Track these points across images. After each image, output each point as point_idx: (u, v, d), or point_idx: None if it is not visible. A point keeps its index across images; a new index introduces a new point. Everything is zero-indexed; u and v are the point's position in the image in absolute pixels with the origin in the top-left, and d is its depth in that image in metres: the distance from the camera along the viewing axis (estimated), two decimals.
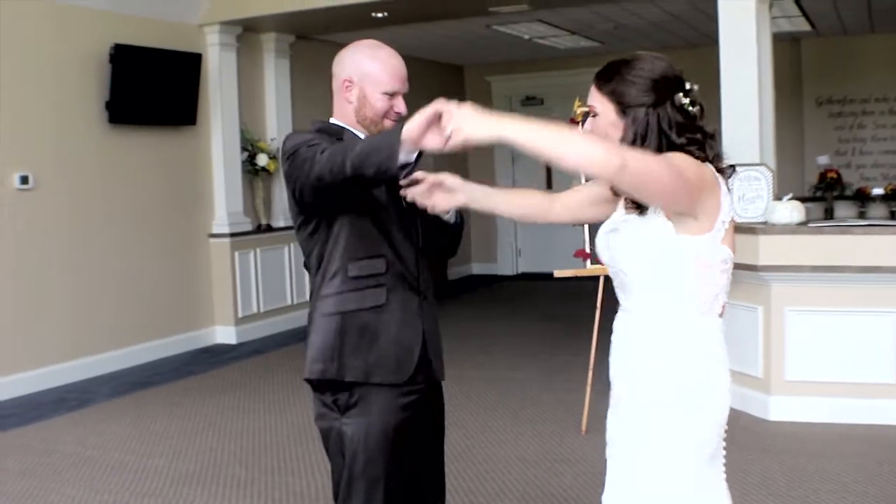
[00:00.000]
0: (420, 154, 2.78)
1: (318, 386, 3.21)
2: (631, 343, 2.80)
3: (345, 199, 3.03)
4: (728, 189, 2.69)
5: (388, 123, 3.17)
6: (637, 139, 2.61)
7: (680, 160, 2.55)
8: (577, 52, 13.51)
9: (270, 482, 5.66)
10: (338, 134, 3.16)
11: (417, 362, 3.20)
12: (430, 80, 14.04)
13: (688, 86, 2.65)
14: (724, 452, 2.78)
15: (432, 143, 2.68)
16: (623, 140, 2.62)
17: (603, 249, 2.82)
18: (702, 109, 2.68)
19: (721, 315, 2.77)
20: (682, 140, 2.61)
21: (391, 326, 3.15)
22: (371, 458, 3.12)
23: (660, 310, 2.71)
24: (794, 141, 13.01)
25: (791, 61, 13.04)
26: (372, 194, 3.08)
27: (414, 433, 3.22)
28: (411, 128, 2.67)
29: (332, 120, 3.24)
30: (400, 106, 3.19)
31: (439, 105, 2.59)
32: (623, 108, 2.64)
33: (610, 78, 2.68)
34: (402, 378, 3.19)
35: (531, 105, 14.83)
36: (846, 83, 12.93)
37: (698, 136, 2.65)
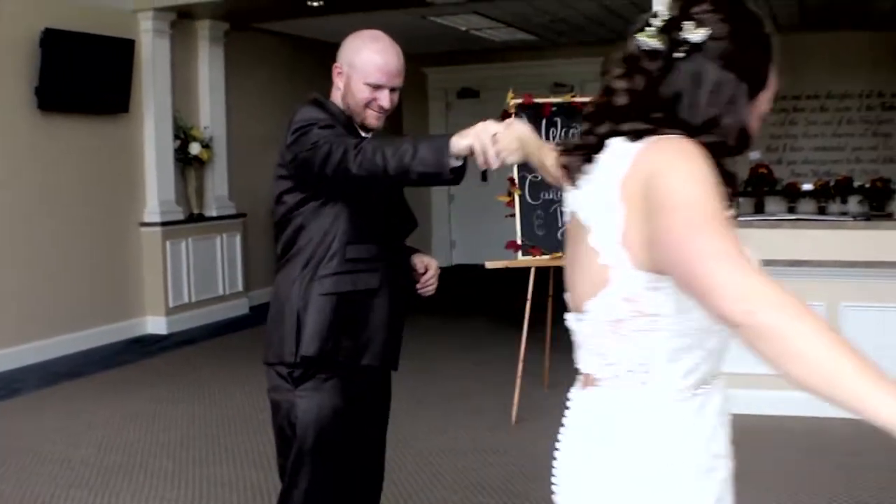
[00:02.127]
0: (466, 160, 2.81)
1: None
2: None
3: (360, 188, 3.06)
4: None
5: (370, 114, 3.22)
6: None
7: None
8: (513, 44, 13.55)
9: (198, 473, 5.61)
10: (334, 113, 3.20)
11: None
12: None
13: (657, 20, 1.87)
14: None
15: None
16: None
17: None
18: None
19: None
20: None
21: (382, 311, 3.26)
22: (322, 433, 3.16)
23: None
24: None
25: None
26: None
27: (363, 415, 3.29)
28: (458, 146, 2.73)
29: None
30: (384, 100, 3.22)
31: (484, 133, 2.67)
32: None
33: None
34: (385, 364, 3.36)
35: (467, 97, 14.84)
36: (779, 80, 13.04)
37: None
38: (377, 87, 3.19)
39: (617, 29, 11.89)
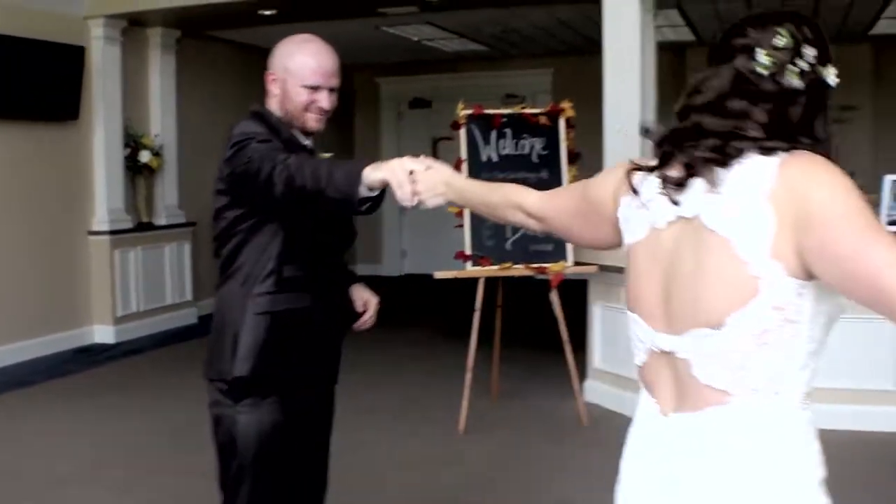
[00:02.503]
0: (383, 192, 2.79)
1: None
2: None
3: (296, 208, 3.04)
4: (646, 200, 1.99)
5: (310, 118, 3.21)
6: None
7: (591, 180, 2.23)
8: (465, 55, 13.61)
9: (149, 483, 5.59)
10: (275, 127, 3.17)
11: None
12: None
13: (782, 41, 1.89)
14: None
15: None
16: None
17: None
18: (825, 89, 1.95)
19: (654, 395, 2.08)
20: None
21: (317, 329, 3.26)
22: (262, 448, 3.15)
23: None
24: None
25: (675, 70, 13.30)
26: None
27: (305, 428, 3.29)
28: (371, 177, 2.71)
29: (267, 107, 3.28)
30: (323, 101, 3.21)
31: (401, 169, 2.64)
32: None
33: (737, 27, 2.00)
34: (321, 381, 3.38)
35: (419, 107, 14.88)
36: None
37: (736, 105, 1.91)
38: (315, 89, 3.17)
39: (568, 40, 12.02)
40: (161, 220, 10.51)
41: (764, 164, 1.80)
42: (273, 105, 3.23)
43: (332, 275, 3.34)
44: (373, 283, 12.28)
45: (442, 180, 2.58)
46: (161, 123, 10.56)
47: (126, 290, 10.06)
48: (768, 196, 1.76)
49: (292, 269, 3.14)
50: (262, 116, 3.21)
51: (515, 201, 2.36)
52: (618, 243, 2.10)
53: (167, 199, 10.63)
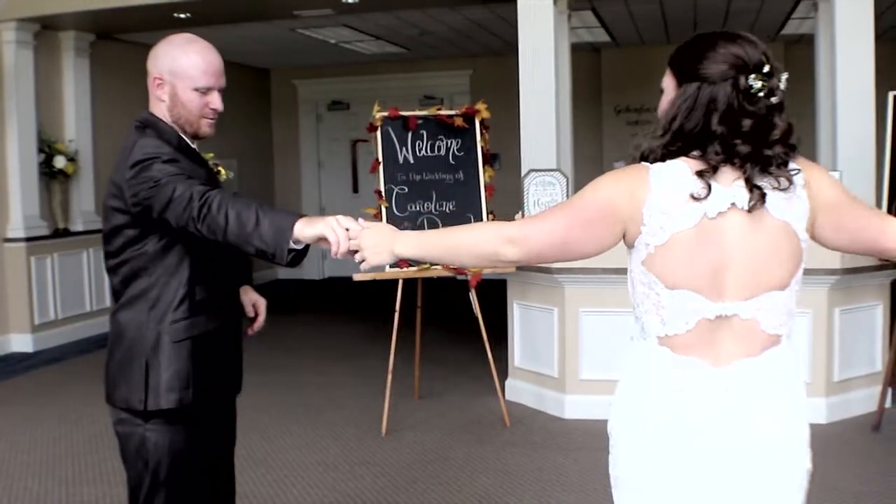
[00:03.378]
0: (308, 246, 2.76)
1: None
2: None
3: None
4: (686, 203, 2.35)
5: (204, 122, 3.13)
6: (681, 110, 2.39)
7: (583, 190, 2.47)
8: (384, 57, 13.62)
9: (65, 493, 5.53)
10: (167, 137, 3.07)
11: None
12: (236, 82, 13.87)
13: (766, 69, 2.34)
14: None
15: (325, 246, 2.70)
16: (670, 108, 2.43)
17: None
18: (781, 105, 2.38)
19: (675, 346, 2.44)
20: (722, 129, 2.34)
21: (228, 346, 3.24)
22: (175, 466, 3.11)
23: (632, 332, 2.63)
24: (594, 147, 13.43)
25: (591, 71, 13.46)
26: None
27: (214, 440, 3.25)
28: (304, 234, 2.68)
29: (152, 111, 3.15)
30: (216, 102, 3.13)
31: (338, 226, 2.65)
32: (679, 80, 2.43)
33: (681, 51, 2.48)
34: (237, 392, 3.35)
35: (337, 109, 14.87)
36: (643, 92, 13.35)
37: (746, 124, 2.34)
38: (206, 91, 3.09)
39: (485, 42, 12.10)
40: (78, 226, 10.37)
41: (793, 167, 2.38)
42: (160, 111, 3.12)
43: (235, 287, 3.31)
44: (294, 286, 12.36)
45: (387, 239, 2.58)
46: (76, 128, 10.42)
47: (43, 297, 9.93)
48: (805, 191, 2.40)
49: (203, 291, 3.08)
50: (153, 125, 3.09)
51: (496, 230, 2.47)
52: (613, 244, 2.44)
53: (84, 205, 10.50)
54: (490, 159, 7.00)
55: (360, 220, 2.68)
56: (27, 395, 7.89)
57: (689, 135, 2.38)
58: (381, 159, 6.75)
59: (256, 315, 3.55)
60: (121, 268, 3.10)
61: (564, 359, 6.82)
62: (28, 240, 9.71)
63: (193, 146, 3.19)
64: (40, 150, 9.89)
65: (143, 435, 3.09)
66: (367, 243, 2.60)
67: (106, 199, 3.10)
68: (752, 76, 2.33)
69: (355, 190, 14.62)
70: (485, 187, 6.84)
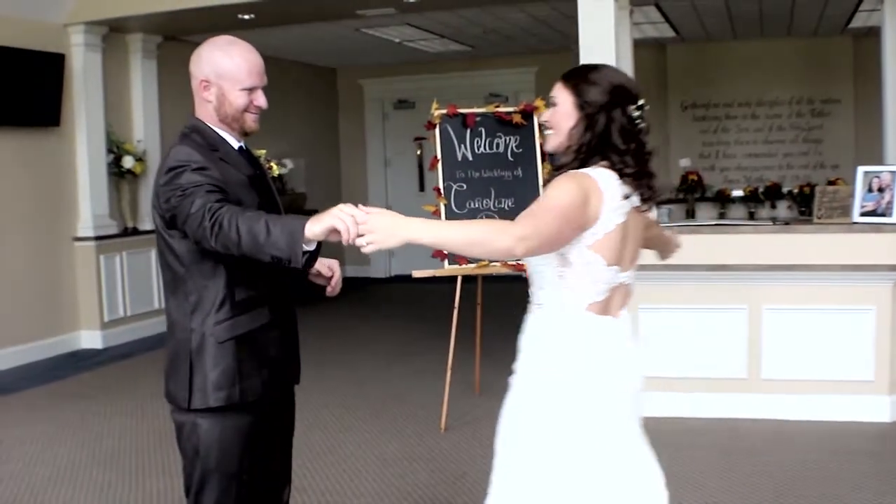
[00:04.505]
0: (320, 244, 2.81)
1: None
2: (527, 335, 3.08)
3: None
4: (621, 202, 2.89)
5: (250, 118, 3.20)
6: (587, 130, 2.94)
7: (550, 197, 2.82)
8: (448, 55, 13.65)
9: (129, 484, 5.64)
10: (213, 142, 3.15)
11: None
12: (304, 82, 14.06)
13: (640, 101, 2.98)
14: (619, 435, 3.02)
15: (335, 238, 2.72)
16: (574, 129, 2.97)
17: None
18: (648, 129, 3.01)
19: (605, 311, 2.98)
20: (623, 145, 2.92)
21: (277, 341, 3.25)
22: (225, 454, 3.16)
23: (542, 304, 3.01)
24: (660, 144, 13.33)
25: (657, 66, 13.36)
26: None
27: (267, 430, 3.28)
28: (315, 232, 2.71)
29: (198, 117, 3.22)
30: (260, 100, 3.19)
31: (345, 213, 2.69)
32: (581, 102, 2.95)
33: (576, 75, 3.00)
34: (290, 387, 3.39)
35: (403, 108, 14.93)
36: (710, 88, 13.29)
37: (633, 146, 2.94)
38: (252, 90, 3.17)
39: (550, 38, 12.06)
40: (146, 225, 10.52)
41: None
42: (206, 112, 3.19)
43: (282, 278, 3.28)
44: (361, 284, 12.44)
45: (397, 223, 2.69)
46: (144, 128, 10.60)
47: (113, 295, 10.11)
48: None
49: (244, 291, 3.12)
50: (199, 131, 3.17)
51: (509, 228, 2.73)
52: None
53: (150, 205, 10.62)
54: (553, 156, 6.97)
55: (361, 206, 2.72)
56: (96, 390, 8.04)
57: (594, 150, 2.92)
58: (440, 157, 6.77)
59: (333, 275, 3.49)
60: (165, 269, 3.18)
61: None
62: (97, 239, 9.90)
63: (240, 144, 3.26)
64: (109, 151, 10.08)
65: (195, 422, 3.15)
66: (378, 226, 2.67)
67: (152, 198, 3.17)
68: (633, 107, 2.94)
69: (421, 188, 14.65)
70: (543, 184, 6.82)
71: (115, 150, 10.13)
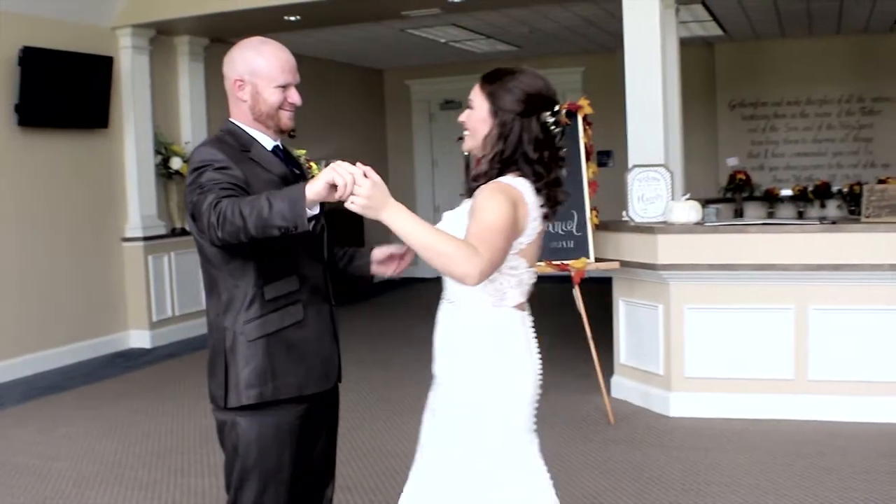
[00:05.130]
0: (323, 205, 2.83)
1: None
2: (442, 329, 3.18)
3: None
4: (539, 212, 3.02)
5: (284, 115, 3.21)
6: (500, 138, 3.01)
7: (493, 216, 2.86)
8: (495, 55, 13.62)
9: (173, 483, 5.68)
10: (245, 143, 3.17)
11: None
12: (350, 83, 14.10)
13: (556, 108, 3.04)
14: (533, 430, 3.15)
15: (333, 195, 2.72)
16: (488, 136, 3.03)
17: None
18: (562, 133, 3.08)
19: (521, 308, 3.12)
20: (534, 155, 3.00)
21: (313, 339, 3.24)
22: (264, 451, 3.16)
23: (462, 301, 3.08)
24: (708, 143, 13.25)
25: (704, 65, 13.29)
26: None
27: (308, 427, 3.28)
28: (315, 190, 2.71)
29: (231, 120, 3.25)
30: (294, 97, 3.22)
31: (344, 170, 2.68)
32: (496, 109, 3.01)
33: (493, 81, 3.05)
34: (329, 385, 3.33)
35: (450, 108, 14.93)
36: (759, 87, 13.20)
37: (546, 154, 3.02)
38: (286, 87, 3.19)
39: (597, 38, 12.02)
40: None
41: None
42: (241, 112, 3.22)
43: (318, 275, 3.28)
44: (409, 283, 12.46)
45: (383, 200, 2.73)
46: (191, 130, 10.70)
47: (161, 295, 10.20)
48: None
49: (274, 289, 3.12)
50: (232, 133, 3.21)
51: (475, 260, 2.77)
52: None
53: None
54: (600, 156, 6.95)
55: (359, 163, 2.72)
56: (143, 389, 8.12)
57: (507, 161, 2.99)
58: None
59: (399, 257, 3.49)
60: (202, 270, 3.21)
61: (670, 356, 6.75)
62: (146, 239, 10.00)
63: (276, 143, 3.27)
64: (157, 152, 10.18)
65: (234, 420, 3.16)
66: (367, 194, 2.68)
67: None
68: (548, 113, 3.00)
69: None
70: (588, 183, 6.79)
71: (163, 151, 10.23)
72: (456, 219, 3.05)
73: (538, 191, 3.01)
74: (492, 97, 3.02)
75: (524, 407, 3.09)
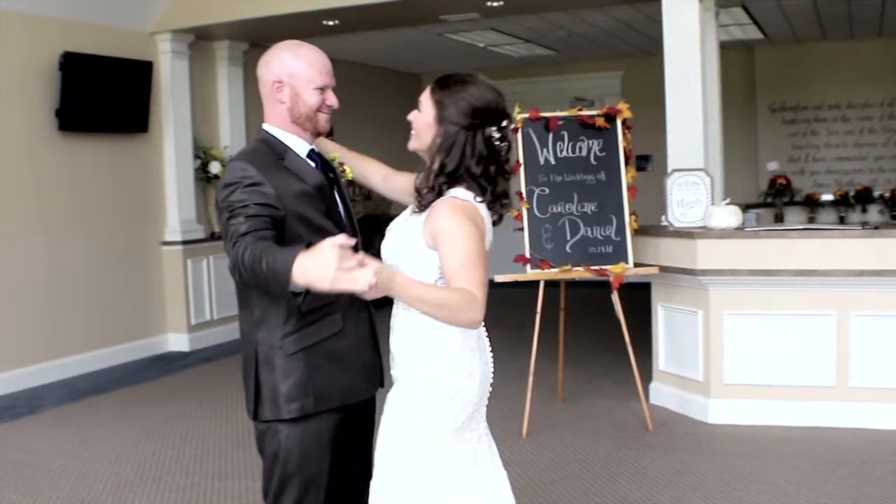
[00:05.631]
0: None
1: None
2: (397, 334, 3.10)
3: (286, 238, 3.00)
4: (491, 223, 3.06)
5: (322, 118, 3.20)
6: (443, 149, 3.00)
7: (465, 248, 2.87)
8: (533, 59, 13.61)
9: (210, 487, 5.69)
10: (279, 151, 3.15)
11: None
12: (387, 87, 14.10)
13: (504, 123, 3.01)
14: (475, 428, 3.11)
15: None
16: (431, 144, 3.02)
17: (384, 244, 3.12)
18: (508, 147, 3.06)
19: None
20: (478, 170, 2.97)
21: (353, 348, 3.21)
22: (305, 458, 3.14)
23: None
24: (748, 147, 13.17)
25: (744, 69, 13.20)
26: (316, 225, 3.09)
27: (348, 433, 3.26)
28: (308, 281, 2.63)
29: (265, 126, 3.23)
30: (331, 99, 3.21)
31: (341, 283, 2.60)
32: (441, 118, 2.99)
33: (442, 88, 3.02)
34: (372, 392, 3.32)
35: None
36: (799, 90, 13.09)
37: (492, 168, 3.00)
38: (323, 89, 3.18)
39: (635, 42, 11.97)
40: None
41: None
42: (279, 115, 3.20)
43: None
44: None
45: (389, 281, 2.71)
46: (230, 134, 10.74)
47: (199, 298, 10.25)
48: None
49: (309, 303, 2.93)
50: (267, 142, 3.19)
51: (471, 296, 2.87)
52: None
53: None
54: (639, 160, 6.91)
55: (340, 242, 2.61)
56: (181, 393, 8.15)
57: (451, 174, 2.97)
58: (522, 161, 6.73)
59: None
60: (234, 282, 3.14)
61: (709, 362, 6.69)
62: (185, 243, 10.04)
63: (311, 147, 3.25)
64: (196, 156, 10.23)
65: (276, 428, 3.14)
66: (372, 282, 2.59)
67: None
68: (494, 128, 2.97)
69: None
70: (627, 188, 6.74)
71: (202, 155, 10.28)
72: (405, 230, 3.06)
73: (486, 203, 3.01)
74: (439, 105, 3.00)
75: (467, 407, 3.03)
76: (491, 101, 2.99)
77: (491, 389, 3.15)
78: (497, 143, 3.00)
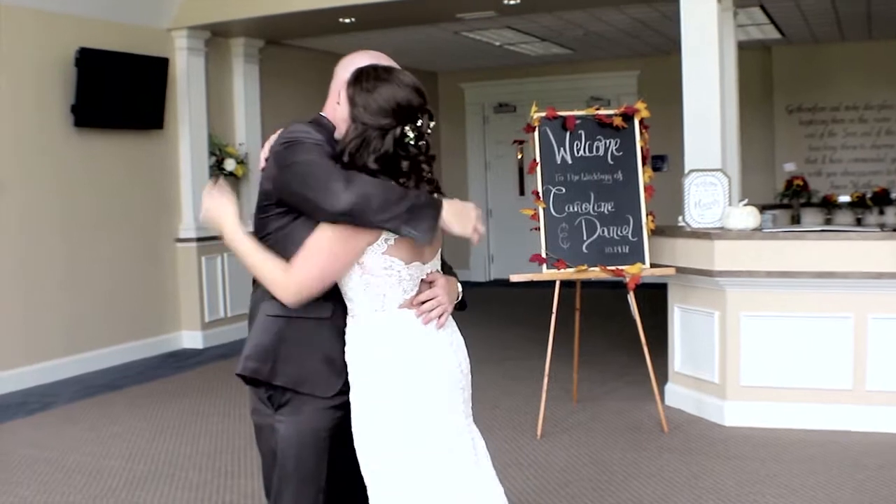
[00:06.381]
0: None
1: (252, 381, 3.20)
2: (349, 347, 3.09)
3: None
4: None
5: None
6: (351, 144, 2.94)
7: (328, 240, 2.91)
8: (549, 58, 13.57)
9: (223, 484, 5.67)
10: (329, 137, 3.13)
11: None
12: None
13: (420, 122, 2.94)
14: (438, 432, 3.07)
15: None
16: (343, 139, 2.97)
17: None
18: (427, 145, 3.00)
19: (402, 307, 3.03)
20: (374, 166, 2.90)
21: (328, 340, 3.15)
22: (302, 458, 3.11)
23: (355, 312, 3.05)
24: (765, 148, 13.11)
25: (762, 69, 13.14)
26: None
27: (346, 433, 3.24)
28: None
29: (322, 114, 3.22)
30: None
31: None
32: (354, 114, 2.94)
33: (354, 84, 2.96)
34: (329, 392, 3.17)
35: (503, 112, 14.90)
36: (817, 91, 13.02)
37: (405, 165, 2.94)
38: None
39: (652, 41, 11.93)
40: (247, 227, 10.57)
41: None
42: (334, 110, 3.17)
43: None
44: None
45: (224, 220, 3.17)
46: (246, 131, 10.74)
47: (213, 296, 10.25)
48: None
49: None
50: (322, 124, 3.18)
51: (285, 275, 3.03)
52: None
53: (253, 206, 10.61)
54: (655, 160, 6.86)
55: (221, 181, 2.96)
56: (194, 390, 8.14)
57: (362, 168, 2.90)
58: (538, 160, 6.70)
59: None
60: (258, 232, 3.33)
61: (725, 364, 6.64)
62: (199, 240, 10.04)
63: None
64: (211, 154, 10.22)
65: (273, 426, 3.13)
66: (205, 206, 3.08)
67: (261, 176, 3.28)
68: (408, 127, 2.90)
69: (521, 192, 14.61)
70: (644, 188, 6.70)
71: (217, 152, 10.27)
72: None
73: None
74: (351, 103, 2.95)
75: (414, 413, 3.01)
76: (402, 99, 2.90)
77: (463, 385, 3.25)
78: (411, 142, 2.93)
